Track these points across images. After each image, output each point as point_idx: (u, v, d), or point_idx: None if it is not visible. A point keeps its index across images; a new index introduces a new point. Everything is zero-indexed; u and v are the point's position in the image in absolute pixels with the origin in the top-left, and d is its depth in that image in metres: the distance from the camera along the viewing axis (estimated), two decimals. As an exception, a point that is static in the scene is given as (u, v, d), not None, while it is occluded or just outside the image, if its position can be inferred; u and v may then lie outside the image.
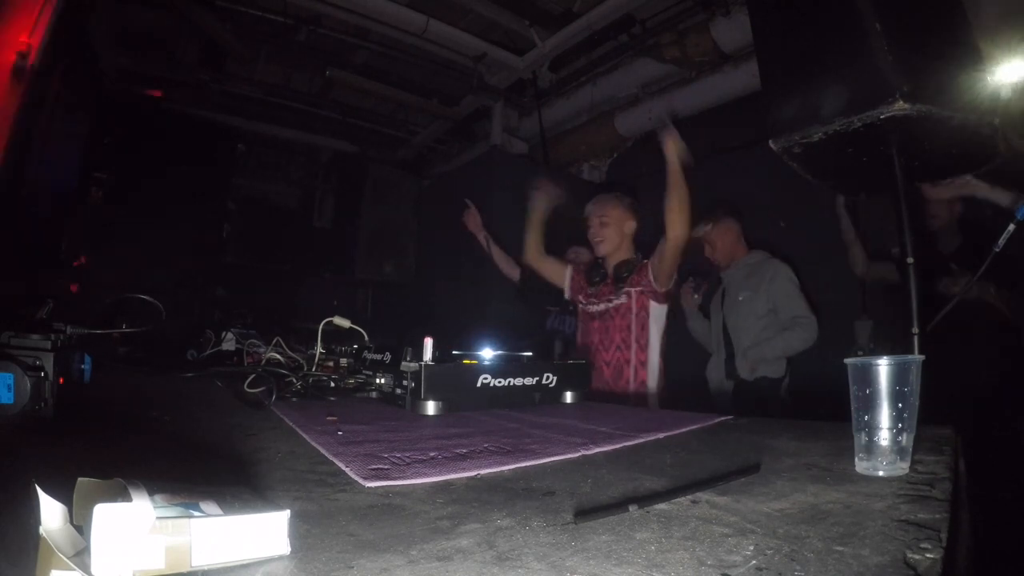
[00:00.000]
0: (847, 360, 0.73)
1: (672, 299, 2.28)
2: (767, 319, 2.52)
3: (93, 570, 0.34)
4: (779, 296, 2.49)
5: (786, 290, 2.49)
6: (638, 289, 2.23)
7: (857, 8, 1.25)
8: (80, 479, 0.41)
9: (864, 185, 1.68)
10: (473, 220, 2.82)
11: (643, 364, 2.20)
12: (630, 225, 2.35)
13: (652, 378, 2.20)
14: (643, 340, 2.22)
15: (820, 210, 2.66)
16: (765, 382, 2.49)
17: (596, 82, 3.82)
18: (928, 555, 0.43)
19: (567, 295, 2.51)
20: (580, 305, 2.44)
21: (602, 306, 2.34)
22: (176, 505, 0.39)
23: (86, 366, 1.11)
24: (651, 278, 2.19)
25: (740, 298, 2.59)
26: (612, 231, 2.33)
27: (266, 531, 0.42)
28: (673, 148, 2.03)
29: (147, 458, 0.75)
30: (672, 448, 0.87)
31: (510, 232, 2.72)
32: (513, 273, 2.76)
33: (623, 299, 2.26)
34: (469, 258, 3.35)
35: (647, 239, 2.34)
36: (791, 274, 2.52)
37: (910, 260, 1.30)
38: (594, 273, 2.40)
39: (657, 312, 2.23)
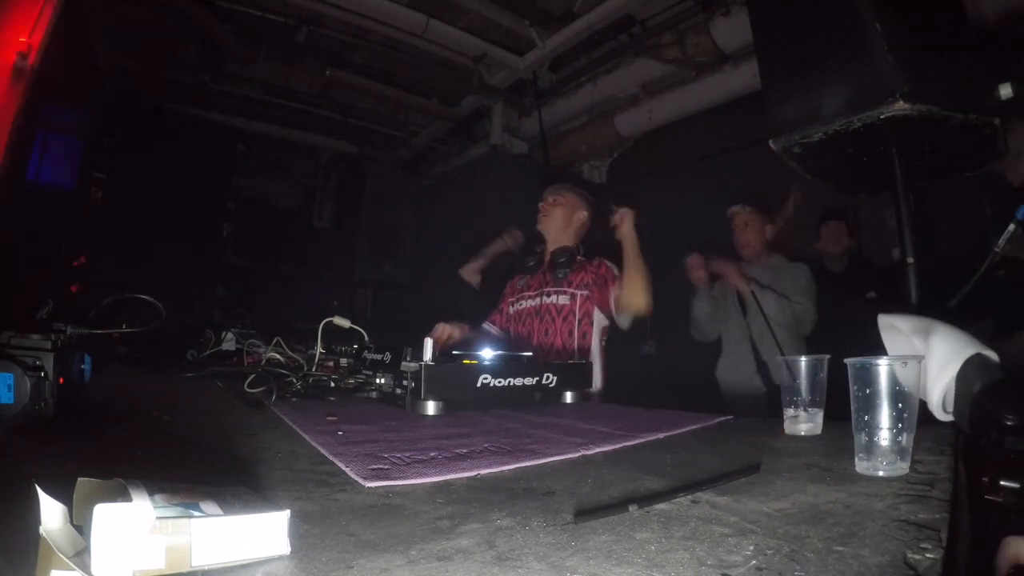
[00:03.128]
0: (847, 360, 0.73)
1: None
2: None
3: (93, 570, 0.34)
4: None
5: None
6: (583, 293, 2.06)
7: (857, 8, 1.24)
8: (80, 479, 0.41)
9: (864, 185, 1.68)
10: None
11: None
12: (581, 215, 2.22)
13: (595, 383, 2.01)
14: (585, 347, 2.04)
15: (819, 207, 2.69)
16: None
17: (596, 82, 3.82)
18: (928, 555, 0.43)
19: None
20: (509, 307, 2.26)
21: (536, 301, 2.13)
22: (176, 505, 0.39)
23: (86, 366, 1.11)
24: (611, 306, 2.01)
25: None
26: (561, 212, 2.20)
27: (266, 531, 0.42)
28: (631, 224, 1.92)
29: (147, 458, 0.75)
30: (672, 448, 0.87)
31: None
32: (474, 279, 2.61)
33: (565, 300, 2.07)
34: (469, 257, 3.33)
35: (645, 241, 2.27)
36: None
37: (910, 260, 1.30)
38: (528, 257, 2.23)
39: (600, 319, 2.07)
